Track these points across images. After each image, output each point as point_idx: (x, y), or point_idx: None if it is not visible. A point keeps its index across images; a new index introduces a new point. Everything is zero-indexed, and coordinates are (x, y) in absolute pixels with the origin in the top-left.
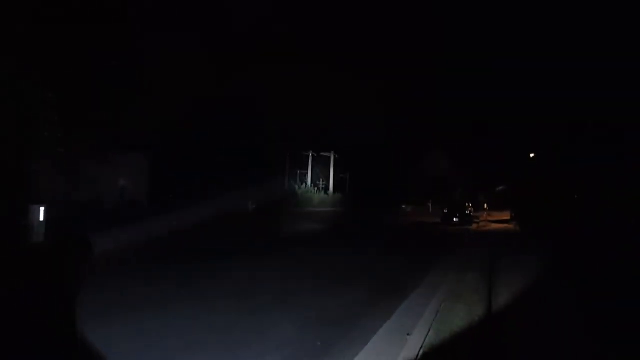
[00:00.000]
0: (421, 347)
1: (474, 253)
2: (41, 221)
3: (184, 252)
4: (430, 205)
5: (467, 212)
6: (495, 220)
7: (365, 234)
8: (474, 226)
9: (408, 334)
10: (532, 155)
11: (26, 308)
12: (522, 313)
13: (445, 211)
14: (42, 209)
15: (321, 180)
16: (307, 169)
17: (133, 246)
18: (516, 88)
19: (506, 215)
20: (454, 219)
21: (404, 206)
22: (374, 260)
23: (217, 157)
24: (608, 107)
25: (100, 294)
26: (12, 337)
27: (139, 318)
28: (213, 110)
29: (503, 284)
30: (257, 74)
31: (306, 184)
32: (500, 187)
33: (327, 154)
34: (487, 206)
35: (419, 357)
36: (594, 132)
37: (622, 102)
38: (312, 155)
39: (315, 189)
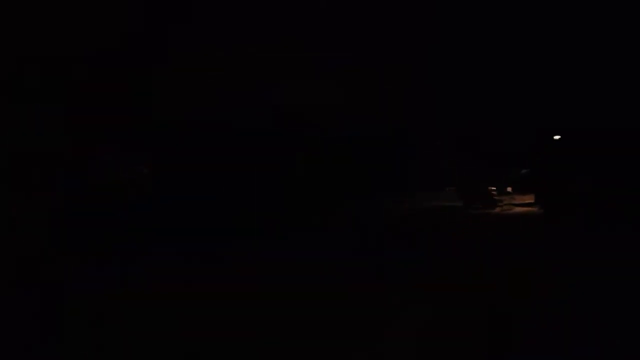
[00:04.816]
0: None
1: None
2: None
3: None
4: (453, 189)
5: (491, 195)
6: (519, 203)
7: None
8: (497, 209)
9: None
10: (556, 137)
11: None
12: None
13: (468, 195)
14: None
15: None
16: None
17: None
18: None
19: (530, 198)
20: (478, 203)
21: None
22: None
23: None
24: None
25: None
26: None
27: None
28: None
29: None
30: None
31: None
32: (524, 170)
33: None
34: (511, 189)
35: None
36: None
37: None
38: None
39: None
